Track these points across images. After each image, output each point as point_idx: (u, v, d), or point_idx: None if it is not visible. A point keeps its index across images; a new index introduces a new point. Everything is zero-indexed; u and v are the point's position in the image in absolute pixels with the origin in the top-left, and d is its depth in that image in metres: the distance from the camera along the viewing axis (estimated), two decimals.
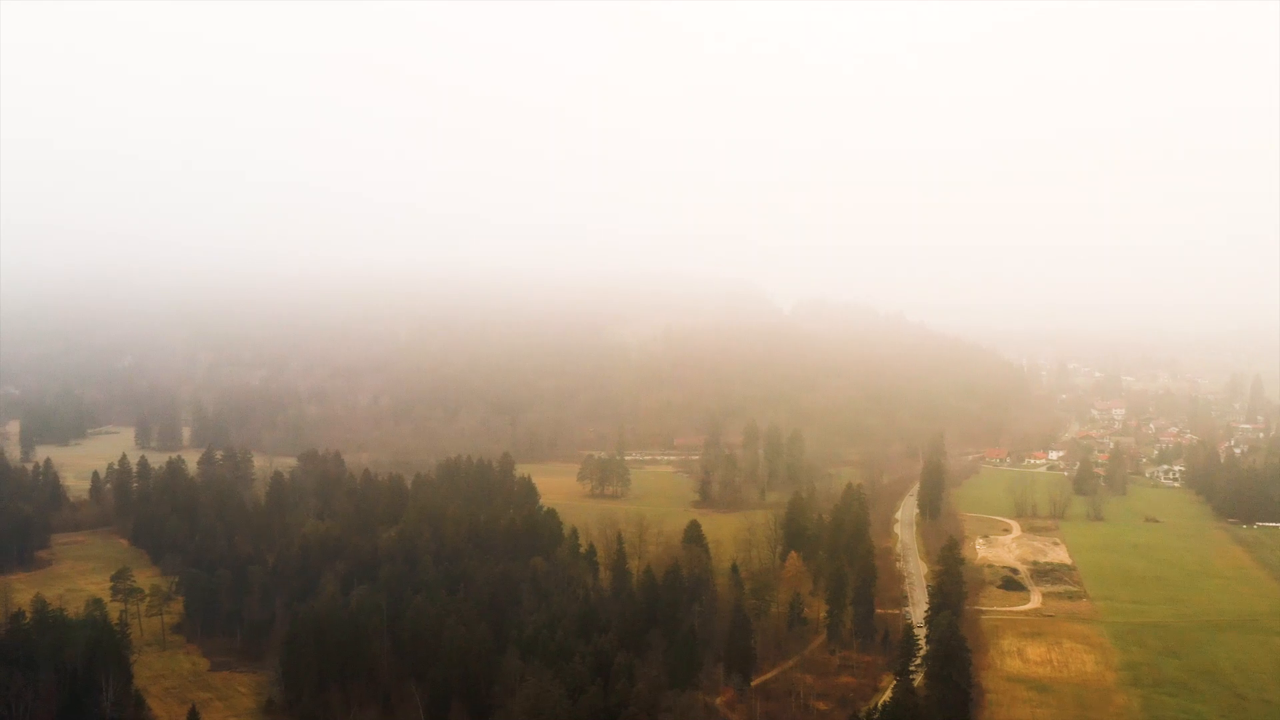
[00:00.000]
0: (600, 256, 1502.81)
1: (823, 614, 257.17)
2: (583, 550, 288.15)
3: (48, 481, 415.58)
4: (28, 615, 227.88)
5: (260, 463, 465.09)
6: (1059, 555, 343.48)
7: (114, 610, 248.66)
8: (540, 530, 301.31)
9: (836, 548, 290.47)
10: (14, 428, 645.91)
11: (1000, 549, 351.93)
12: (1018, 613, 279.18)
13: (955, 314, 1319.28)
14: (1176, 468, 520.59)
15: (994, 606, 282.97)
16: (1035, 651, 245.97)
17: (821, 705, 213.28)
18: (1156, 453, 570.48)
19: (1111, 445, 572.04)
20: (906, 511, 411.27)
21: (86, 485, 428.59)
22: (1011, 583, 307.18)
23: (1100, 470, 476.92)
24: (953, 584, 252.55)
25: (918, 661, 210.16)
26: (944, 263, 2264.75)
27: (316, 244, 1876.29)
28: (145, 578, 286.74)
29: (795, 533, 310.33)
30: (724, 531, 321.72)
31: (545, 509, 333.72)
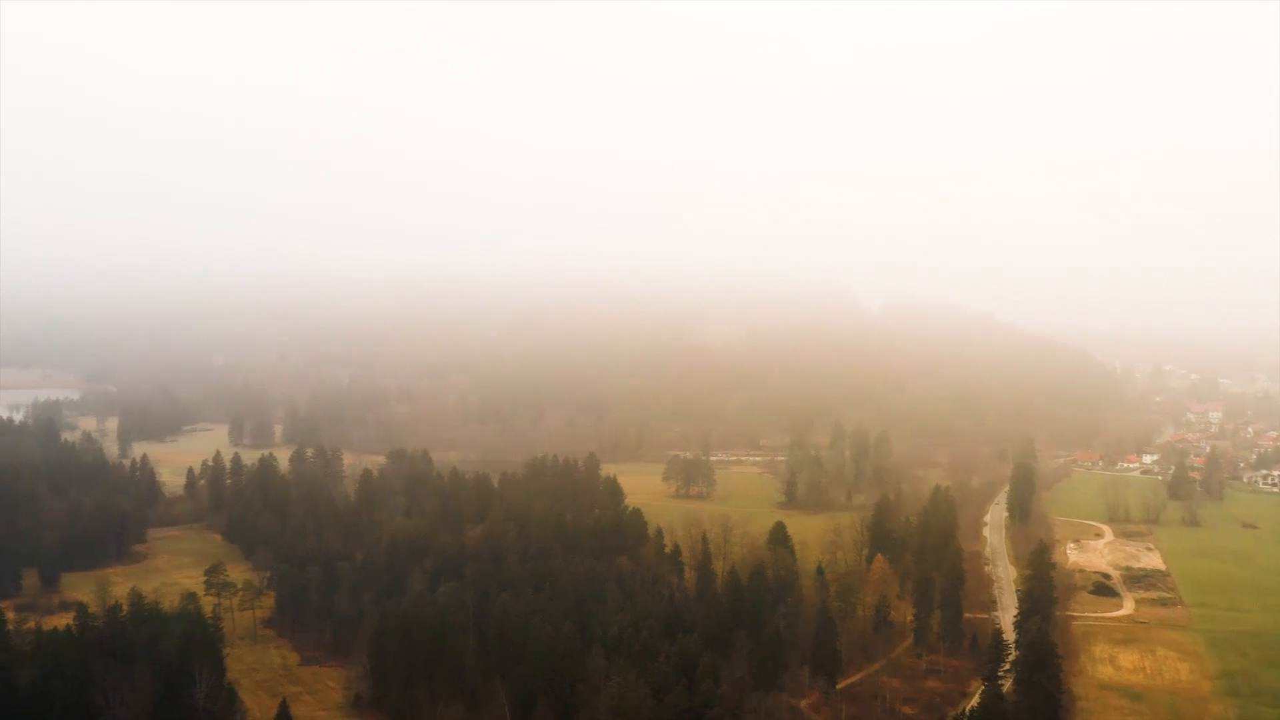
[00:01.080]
0: (682, 256, 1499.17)
1: (909, 617, 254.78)
2: (668, 550, 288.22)
3: (144, 477, 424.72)
4: (125, 608, 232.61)
5: (350, 460, 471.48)
6: (1153, 561, 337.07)
7: (208, 604, 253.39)
8: (625, 530, 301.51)
9: (924, 551, 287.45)
10: (112, 424, 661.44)
11: (1092, 554, 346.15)
12: (1110, 619, 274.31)
13: (1045, 314, 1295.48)
14: (1275, 473, 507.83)
15: (1085, 612, 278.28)
16: (1128, 659, 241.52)
17: (908, 710, 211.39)
18: (1255, 457, 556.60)
19: (1208, 449, 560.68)
20: (995, 515, 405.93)
21: (182, 481, 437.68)
22: (1103, 588, 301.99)
23: (1196, 475, 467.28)
24: (1043, 589, 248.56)
25: (1006, 667, 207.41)
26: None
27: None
28: (238, 572, 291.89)
29: (882, 535, 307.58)
30: (809, 533, 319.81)
31: (630, 509, 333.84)
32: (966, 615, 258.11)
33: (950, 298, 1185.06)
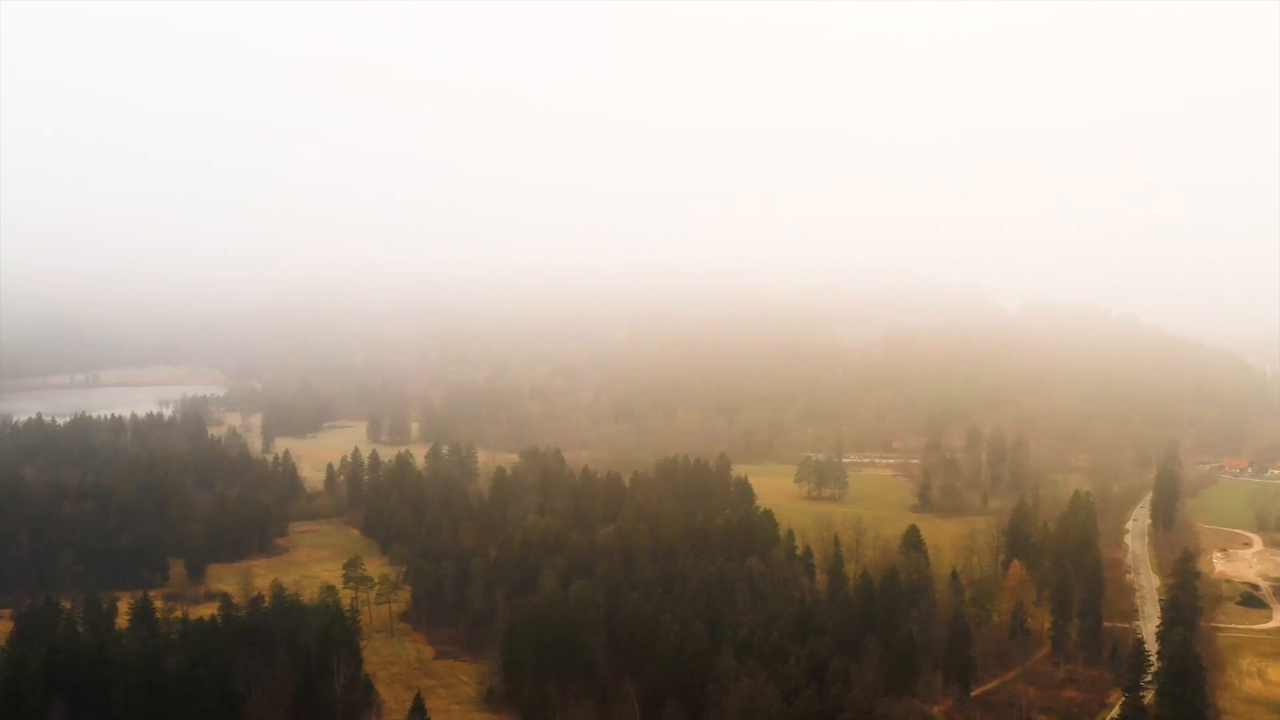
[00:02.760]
0: (814, 254, 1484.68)
1: (1047, 625, 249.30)
2: (799, 552, 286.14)
3: (286, 472, 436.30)
4: (267, 600, 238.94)
5: (484, 458, 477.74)
6: None
7: (346, 597, 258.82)
8: (756, 531, 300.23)
9: (1062, 557, 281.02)
10: (256, 421, 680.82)
11: (1240, 563, 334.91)
12: (1258, 631, 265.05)
13: (1190, 314, 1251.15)
14: None
15: (1232, 624, 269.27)
16: (1277, 673, 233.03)
17: (1044, 719, 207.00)
18: None
19: None
20: (1138, 522, 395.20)
21: (322, 477, 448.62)
22: (1252, 599, 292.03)
23: None
24: (1187, 598, 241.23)
25: (1148, 678, 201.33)
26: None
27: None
28: (375, 567, 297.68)
29: (1019, 540, 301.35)
30: (944, 537, 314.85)
31: (761, 510, 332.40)
32: (1106, 624, 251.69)
33: (1090, 300, 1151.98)
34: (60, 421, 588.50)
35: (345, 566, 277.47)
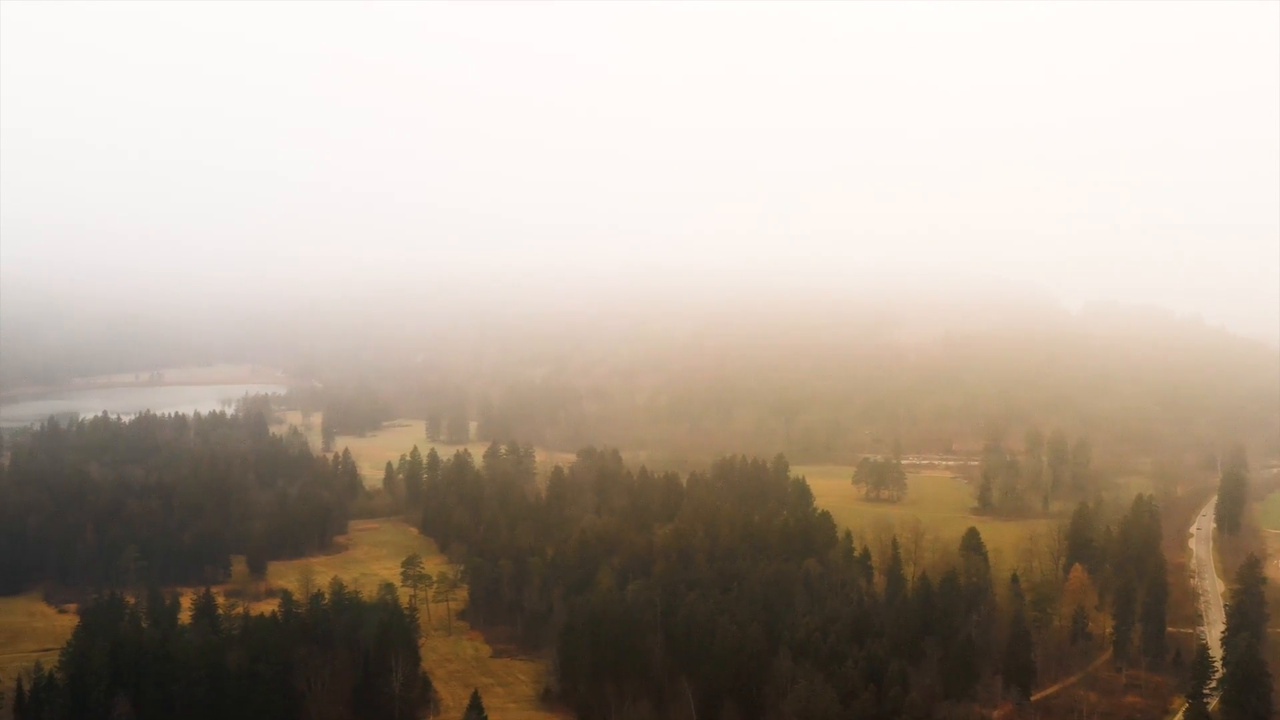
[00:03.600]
0: (875, 255, 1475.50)
1: (1109, 630, 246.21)
2: (856, 554, 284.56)
3: (346, 471, 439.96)
4: (327, 597, 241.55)
5: (541, 458, 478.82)
6: None
7: (404, 595, 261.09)
8: (814, 532, 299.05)
9: (1125, 561, 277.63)
10: (317, 419, 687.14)
11: None
12: None
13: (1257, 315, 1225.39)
14: None
15: None
16: None
17: None
18: None
19: None
20: (1202, 526, 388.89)
21: (381, 475, 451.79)
22: None
23: None
24: (1253, 604, 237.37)
25: (1212, 685, 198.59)
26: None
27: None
28: (433, 565, 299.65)
29: (1080, 544, 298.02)
30: (1004, 540, 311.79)
31: (819, 511, 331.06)
32: (1169, 629, 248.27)
33: (1154, 301, 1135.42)
34: (126, 419, 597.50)
35: (404, 564, 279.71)
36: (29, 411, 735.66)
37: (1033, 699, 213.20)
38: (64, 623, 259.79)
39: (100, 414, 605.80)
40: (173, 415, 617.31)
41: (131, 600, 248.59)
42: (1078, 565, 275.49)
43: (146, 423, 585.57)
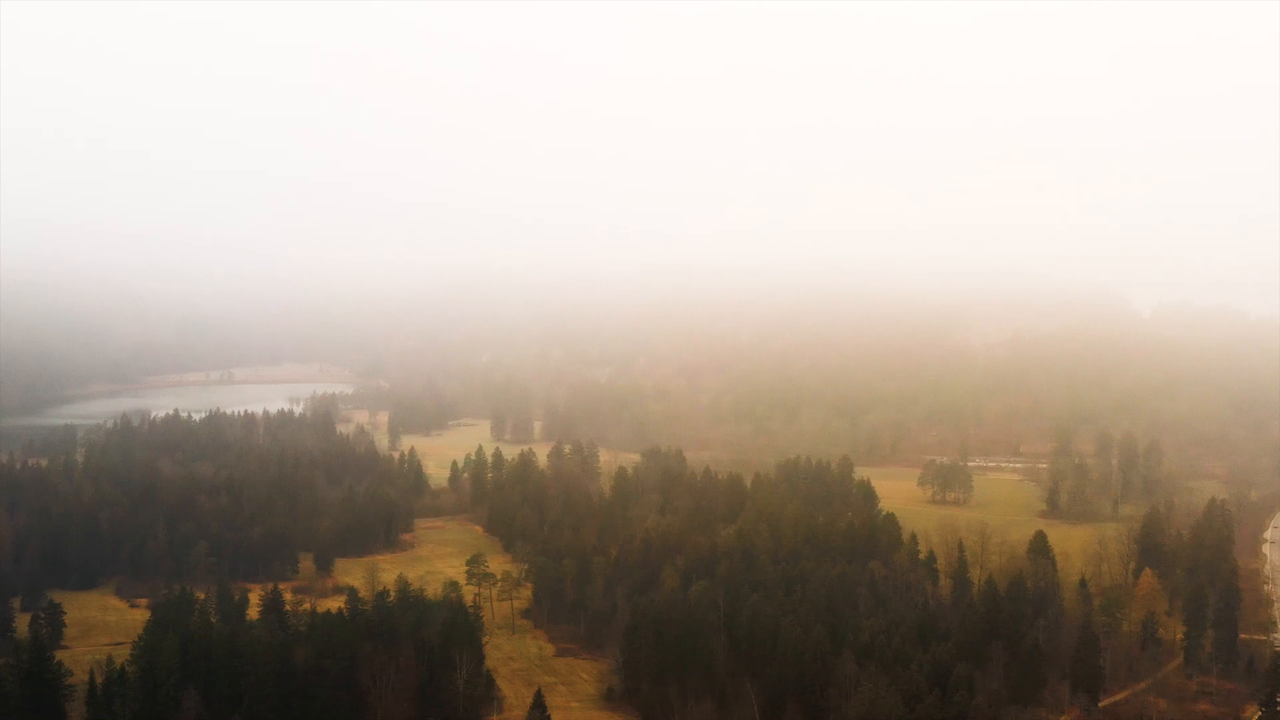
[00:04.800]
0: (942, 254, 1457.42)
1: (1179, 636, 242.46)
2: (922, 557, 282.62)
3: (412, 469, 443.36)
4: (392, 594, 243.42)
5: (605, 457, 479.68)
6: None
7: (469, 593, 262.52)
8: (879, 534, 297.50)
9: (1196, 566, 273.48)
10: (383, 418, 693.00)
11: None
12: None
13: None
14: None
15: None
16: None
17: None
18: None
19: None
20: (1277, 531, 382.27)
21: (446, 474, 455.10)
22: None
23: None
24: None
25: None
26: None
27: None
28: (497, 564, 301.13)
29: (1151, 548, 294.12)
30: (1072, 544, 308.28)
31: (884, 513, 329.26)
32: (1242, 636, 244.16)
33: (1228, 301, 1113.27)
34: (196, 417, 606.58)
35: (468, 563, 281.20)
36: (102, 409, 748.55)
37: (1101, 705, 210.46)
38: (135, 617, 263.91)
39: (172, 412, 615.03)
40: (242, 413, 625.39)
41: (201, 595, 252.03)
42: (1148, 570, 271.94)
43: (217, 421, 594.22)
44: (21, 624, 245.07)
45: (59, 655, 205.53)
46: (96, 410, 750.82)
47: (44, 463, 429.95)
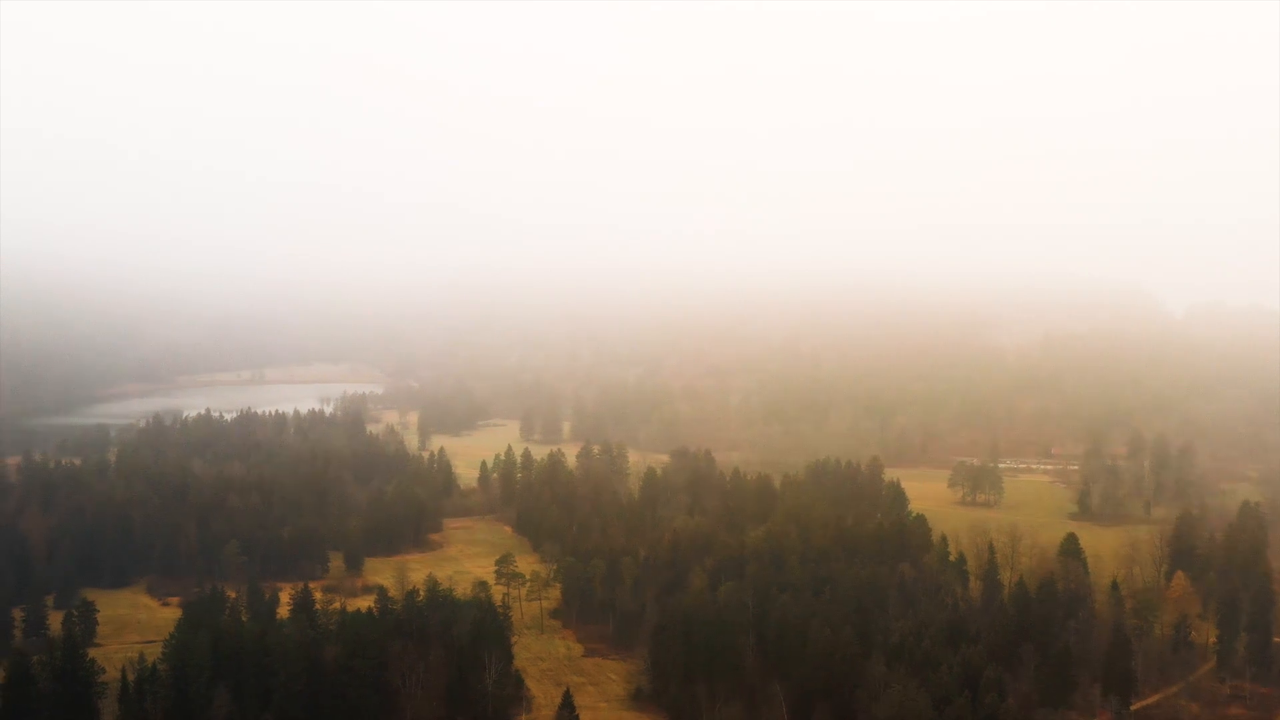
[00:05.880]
0: (971, 254, 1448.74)
1: (1212, 639, 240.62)
2: (952, 558, 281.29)
3: (441, 469, 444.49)
4: (422, 593, 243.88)
5: (634, 458, 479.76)
6: None
7: (498, 593, 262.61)
8: (908, 536, 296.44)
9: (1230, 569, 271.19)
10: (413, 418, 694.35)
11: None
12: None
13: None
14: None
15: None
16: None
17: None
18: None
19: None
20: None
21: (475, 474, 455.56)
22: None
23: None
24: None
25: None
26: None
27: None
28: (526, 564, 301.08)
29: (1183, 551, 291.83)
30: (1103, 546, 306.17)
31: (914, 514, 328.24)
32: (1276, 639, 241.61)
33: (1263, 302, 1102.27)
34: (228, 417, 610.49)
35: (497, 563, 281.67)
36: (135, 409, 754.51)
37: (1132, 708, 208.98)
38: (167, 615, 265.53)
39: (203, 411, 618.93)
40: (273, 413, 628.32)
41: (232, 594, 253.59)
42: (1180, 573, 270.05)
43: (248, 420, 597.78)
44: (55, 621, 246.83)
45: (92, 653, 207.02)
46: (129, 410, 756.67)
47: (77, 462, 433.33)
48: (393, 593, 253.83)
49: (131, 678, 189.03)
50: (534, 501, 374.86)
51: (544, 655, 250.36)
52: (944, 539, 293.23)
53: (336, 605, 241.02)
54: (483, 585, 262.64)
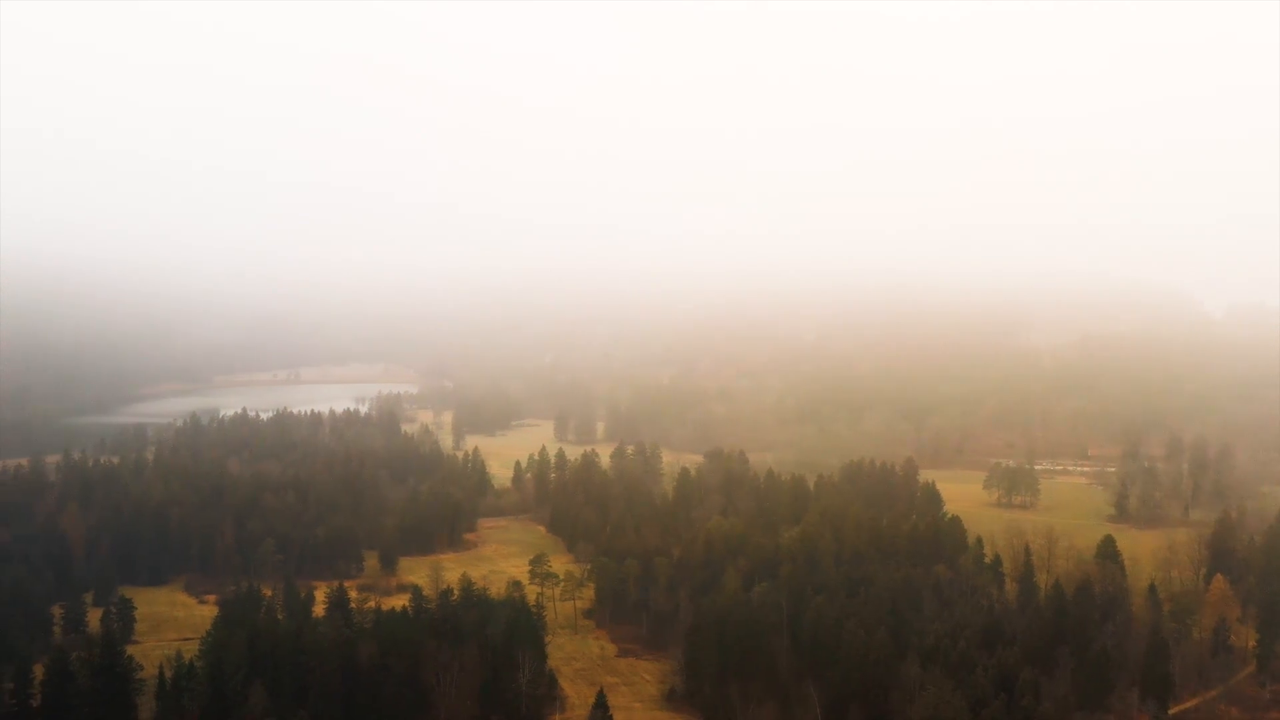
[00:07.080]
0: (1008, 254, 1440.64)
1: (1252, 643, 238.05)
2: (987, 560, 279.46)
3: (476, 469, 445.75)
4: (456, 593, 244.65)
5: (668, 458, 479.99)
6: None
7: (531, 593, 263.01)
8: (943, 538, 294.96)
9: (1270, 572, 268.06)
10: (447, 418, 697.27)
11: None
12: None
13: None
14: None
15: None
16: None
17: None
18: None
19: None
20: None
21: (509, 474, 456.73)
22: None
23: None
24: None
25: None
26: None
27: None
28: (560, 564, 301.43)
29: (1222, 554, 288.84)
30: (1141, 549, 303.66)
31: (949, 516, 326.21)
32: None
33: None
34: (264, 416, 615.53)
35: (531, 562, 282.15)
36: (172, 408, 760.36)
37: (1171, 712, 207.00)
38: (204, 613, 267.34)
39: (240, 411, 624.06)
40: (309, 413, 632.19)
41: (268, 592, 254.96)
42: (1219, 576, 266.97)
43: (284, 420, 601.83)
44: (93, 619, 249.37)
45: (129, 650, 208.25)
46: (167, 409, 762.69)
47: (115, 461, 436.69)
48: (427, 592, 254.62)
49: (169, 674, 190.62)
50: (568, 502, 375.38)
51: (578, 655, 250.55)
52: (979, 541, 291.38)
53: (371, 604, 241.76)
54: (517, 585, 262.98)
